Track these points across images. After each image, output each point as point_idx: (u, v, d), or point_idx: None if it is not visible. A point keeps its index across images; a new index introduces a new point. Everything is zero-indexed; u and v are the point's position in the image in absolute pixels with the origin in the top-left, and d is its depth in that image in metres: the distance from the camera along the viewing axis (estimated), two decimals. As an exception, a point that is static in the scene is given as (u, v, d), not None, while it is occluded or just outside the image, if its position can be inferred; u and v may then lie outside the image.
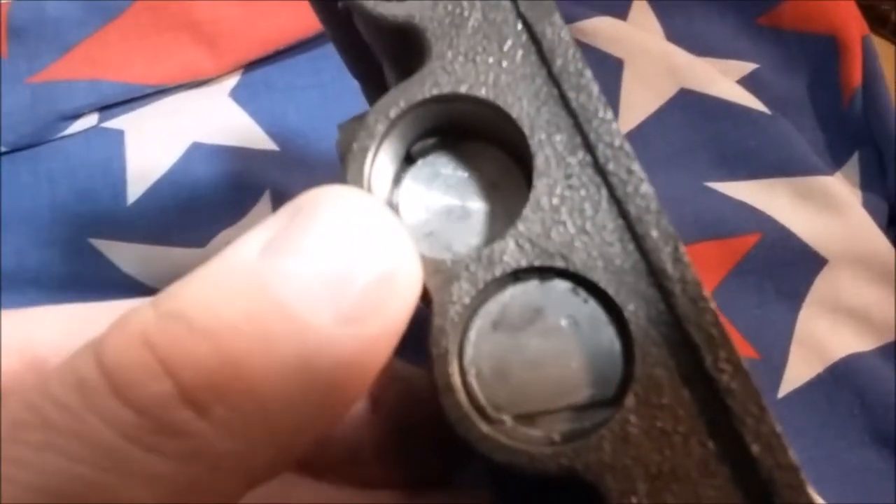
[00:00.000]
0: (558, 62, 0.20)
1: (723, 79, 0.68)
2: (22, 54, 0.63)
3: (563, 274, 0.19)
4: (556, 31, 0.20)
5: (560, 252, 0.19)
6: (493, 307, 0.19)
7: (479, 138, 0.21)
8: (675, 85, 0.68)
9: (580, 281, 0.19)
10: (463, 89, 0.20)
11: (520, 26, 0.20)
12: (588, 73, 0.19)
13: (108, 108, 0.64)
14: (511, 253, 0.19)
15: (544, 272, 0.19)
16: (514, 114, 0.20)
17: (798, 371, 0.59)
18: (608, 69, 0.70)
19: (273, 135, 0.65)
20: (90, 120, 0.63)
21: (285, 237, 0.17)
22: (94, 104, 0.63)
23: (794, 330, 0.61)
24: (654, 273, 0.18)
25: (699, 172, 0.66)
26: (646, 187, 0.19)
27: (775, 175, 0.65)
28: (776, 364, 0.60)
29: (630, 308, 0.18)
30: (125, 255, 0.60)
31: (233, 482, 0.17)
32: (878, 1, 0.75)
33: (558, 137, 0.19)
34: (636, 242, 0.18)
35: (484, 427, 0.18)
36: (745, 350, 0.60)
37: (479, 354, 0.19)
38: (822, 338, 0.60)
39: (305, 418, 0.17)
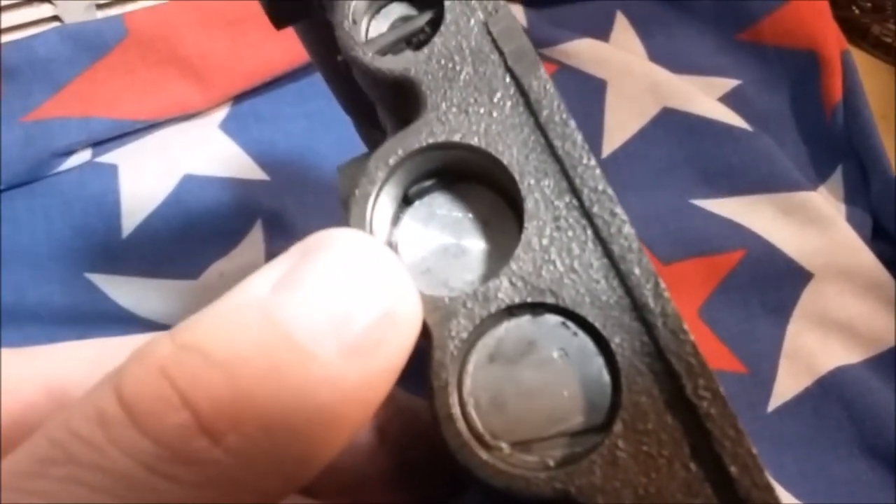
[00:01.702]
0: (545, 113, 0.21)
1: (704, 97, 0.69)
2: (16, 94, 0.64)
3: (554, 309, 0.20)
4: (541, 83, 0.21)
5: (550, 289, 0.20)
6: (489, 341, 0.20)
7: (471, 180, 0.23)
8: (657, 104, 0.70)
9: (570, 315, 0.20)
10: (457, 138, 0.21)
11: (508, 79, 0.22)
12: (572, 123, 0.21)
13: (101, 143, 0.65)
14: (505, 290, 0.20)
15: (536, 308, 0.20)
16: (505, 160, 0.21)
17: (787, 385, 0.60)
18: (592, 90, 0.71)
19: (263, 164, 0.66)
20: (84, 155, 0.65)
21: (294, 276, 0.18)
22: (86, 140, 0.64)
23: (782, 344, 0.61)
24: (638, 308, 0.19)
25: (683, 190, 0.67)
26: (628, 228, 0.20)
27: (758, 191, 0.66)
28: (765, 378, 0.60)
29: (616, 340, 0.20)
30: (121, 289, 0.61)
31: None
32: (858, 14, 0.76)
33: (546, 182, 0.21)
34: (620, 279, 0.20)
35: (483, 454, 0.19)
36: (733, 365, 0.60)
37: (477, 386, 0.20)
38: (809, 351, 0.61)
39: (309, 448, 0.18)
